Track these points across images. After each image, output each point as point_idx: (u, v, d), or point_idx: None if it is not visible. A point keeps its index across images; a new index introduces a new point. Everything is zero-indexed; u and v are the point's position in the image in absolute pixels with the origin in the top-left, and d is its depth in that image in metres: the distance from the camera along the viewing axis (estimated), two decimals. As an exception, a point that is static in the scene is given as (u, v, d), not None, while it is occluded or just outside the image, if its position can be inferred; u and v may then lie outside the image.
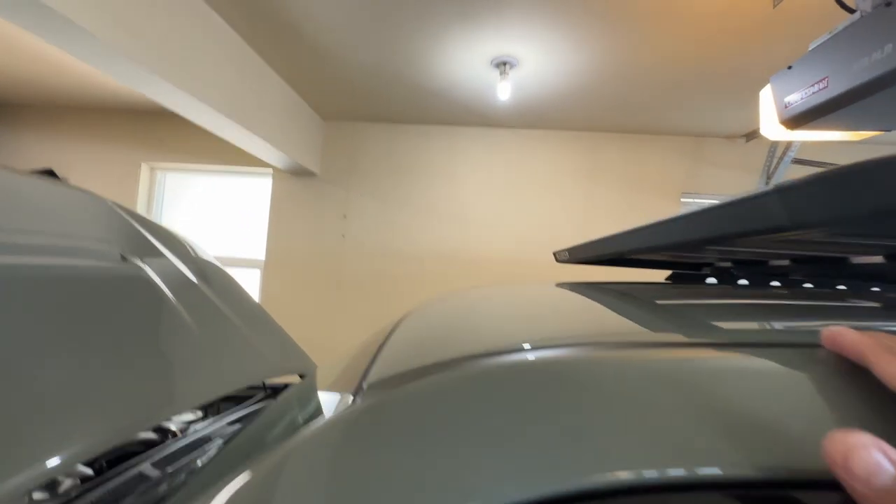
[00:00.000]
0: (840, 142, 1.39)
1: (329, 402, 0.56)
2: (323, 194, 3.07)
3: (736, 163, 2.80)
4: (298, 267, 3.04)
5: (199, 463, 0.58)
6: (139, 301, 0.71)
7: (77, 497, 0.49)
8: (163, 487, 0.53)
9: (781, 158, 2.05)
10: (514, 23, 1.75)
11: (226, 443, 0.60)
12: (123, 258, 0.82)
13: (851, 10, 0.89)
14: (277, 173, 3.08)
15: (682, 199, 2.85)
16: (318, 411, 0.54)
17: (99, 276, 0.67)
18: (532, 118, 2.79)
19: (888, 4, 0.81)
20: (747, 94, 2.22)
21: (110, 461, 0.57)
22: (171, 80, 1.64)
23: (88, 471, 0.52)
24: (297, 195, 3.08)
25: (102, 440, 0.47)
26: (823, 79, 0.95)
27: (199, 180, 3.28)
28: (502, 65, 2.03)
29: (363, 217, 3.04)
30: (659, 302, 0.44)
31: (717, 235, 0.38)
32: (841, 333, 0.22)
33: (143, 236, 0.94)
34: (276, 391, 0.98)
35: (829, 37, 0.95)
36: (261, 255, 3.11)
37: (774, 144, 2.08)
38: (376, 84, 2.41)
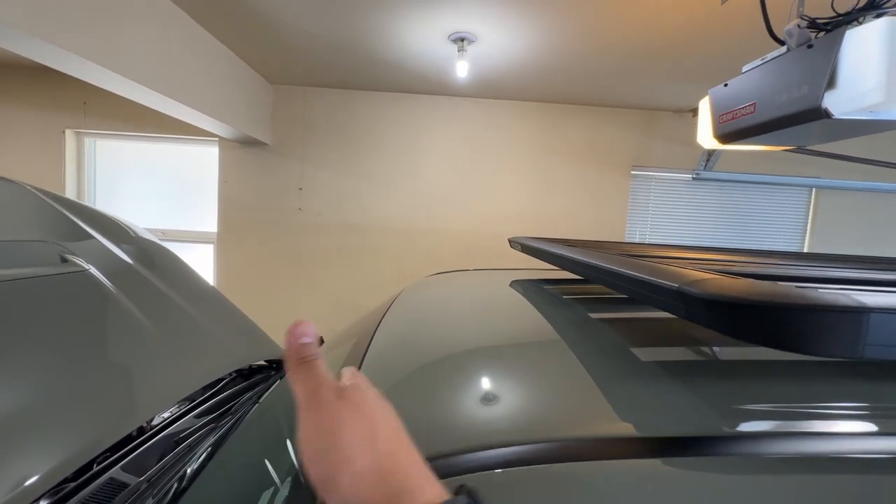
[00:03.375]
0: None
1: None
2: (276, 165, 2.93)
3: (682, 137, 2.92)
4: (255, 241, 2.95)
5: (188, 470, 0.55)
6: (89, 307, 0.67)
7: None
8: (148, 501, 0.51)
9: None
10: (470, 0, 1.67)
11: (212, 450, 0.59)
12: (63, 259, 0.77)
13: (782, 43, 0.94)
14: (224, 143, 2.88)
15: (633, 172, 2.98)
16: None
17: (43, 285, 0.63)
18: (491, 89, 2.74)
19: (809, 46, 0.87)
20: (696, 73, 2.29)
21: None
22: (85, 54, 1.46)
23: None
24: (248, 166, 2.92)
25: (72, 456, 0.46)
26: (752, 104, 1.02)
27: (139, 147, 3.00)
28: (460, 41, 1.96)
29: (320, 189, 2.95)
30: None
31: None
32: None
33: (78, 227, 0.87)
34: (243, 374, 0.97)
35: (760, 63, 1.00)
36: (214, 227, 2.98)
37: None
38: (327, 51, 2.25)
